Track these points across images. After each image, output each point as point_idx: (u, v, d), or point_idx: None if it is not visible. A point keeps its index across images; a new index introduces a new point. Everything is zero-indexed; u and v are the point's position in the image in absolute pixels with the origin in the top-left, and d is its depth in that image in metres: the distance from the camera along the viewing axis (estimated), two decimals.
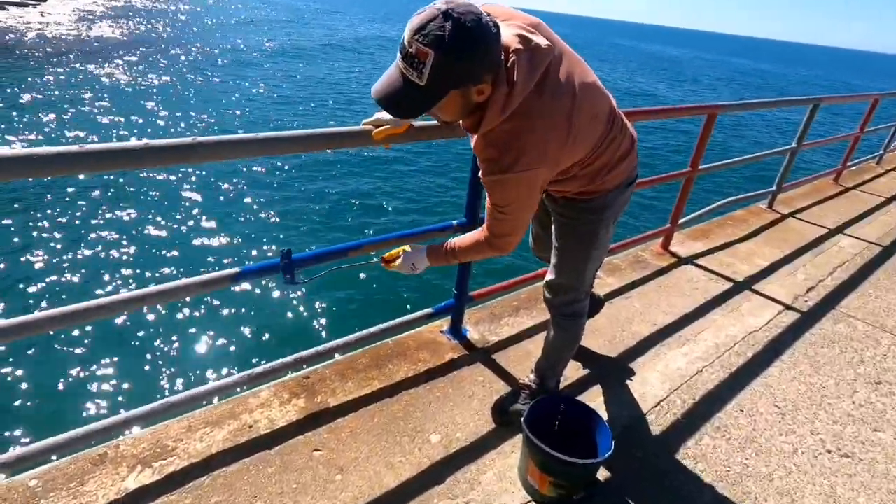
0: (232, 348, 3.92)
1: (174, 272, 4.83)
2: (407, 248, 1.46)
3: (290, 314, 4.37)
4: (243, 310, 4.33)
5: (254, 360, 3.74)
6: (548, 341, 1.66)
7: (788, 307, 2.65)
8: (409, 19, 0.97)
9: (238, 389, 1.64)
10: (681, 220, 3.13)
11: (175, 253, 5.16)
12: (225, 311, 4.31)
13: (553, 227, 1.51)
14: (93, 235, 5.31)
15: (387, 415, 1.69)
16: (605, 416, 1.78)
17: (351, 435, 1.59)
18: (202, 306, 4.32)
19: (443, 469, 1.51)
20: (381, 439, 1.59)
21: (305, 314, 4.39)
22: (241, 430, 1.57)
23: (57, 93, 10.60)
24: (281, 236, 5.80)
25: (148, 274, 4.75)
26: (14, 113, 9.06)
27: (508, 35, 1.05)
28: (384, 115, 1.40)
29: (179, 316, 4.21)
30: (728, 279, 2.90)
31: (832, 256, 3.33)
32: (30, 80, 11.41)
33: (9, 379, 3.37)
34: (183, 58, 16.11)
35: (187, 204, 6.31)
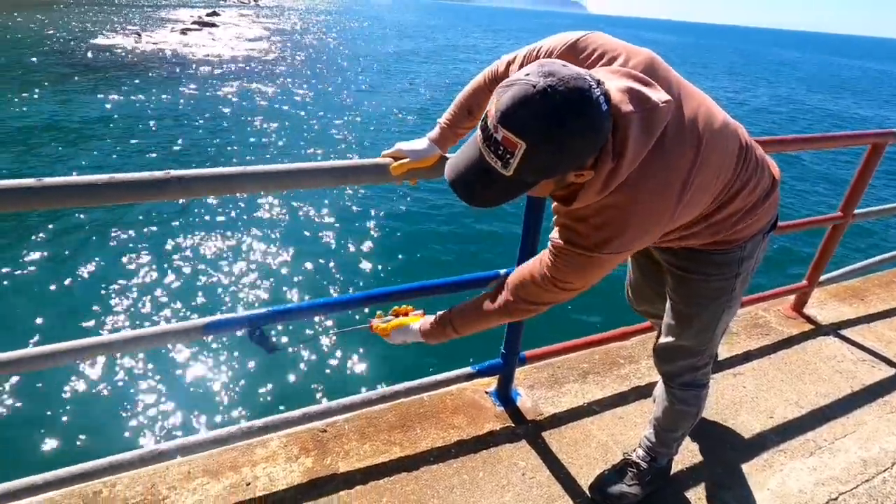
0: (260, 392, 3.58)
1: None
2: (409, 321, 1.24)
3: (320, 366, 3.87)
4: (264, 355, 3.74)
5: (280, 407, 3.35)
6: (661, 414, 1.40)
7: None
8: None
9: (252, 438, 1.49)
10: (823, 277, 2.45)
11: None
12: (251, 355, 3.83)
13: (668, 278, 1.22)
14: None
15: (398, 495, 1.42)
16: None
17: None
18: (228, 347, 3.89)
19: None
20: None
21: (337, 367, 3.87)
22: (237, 488, 1.41)
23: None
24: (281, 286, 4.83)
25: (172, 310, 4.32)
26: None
27: (616, 92, 0.80)
28: (406, 146, 1.16)
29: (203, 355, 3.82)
30: (889, 362, 2.18)
31: None
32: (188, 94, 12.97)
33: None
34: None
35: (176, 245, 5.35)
